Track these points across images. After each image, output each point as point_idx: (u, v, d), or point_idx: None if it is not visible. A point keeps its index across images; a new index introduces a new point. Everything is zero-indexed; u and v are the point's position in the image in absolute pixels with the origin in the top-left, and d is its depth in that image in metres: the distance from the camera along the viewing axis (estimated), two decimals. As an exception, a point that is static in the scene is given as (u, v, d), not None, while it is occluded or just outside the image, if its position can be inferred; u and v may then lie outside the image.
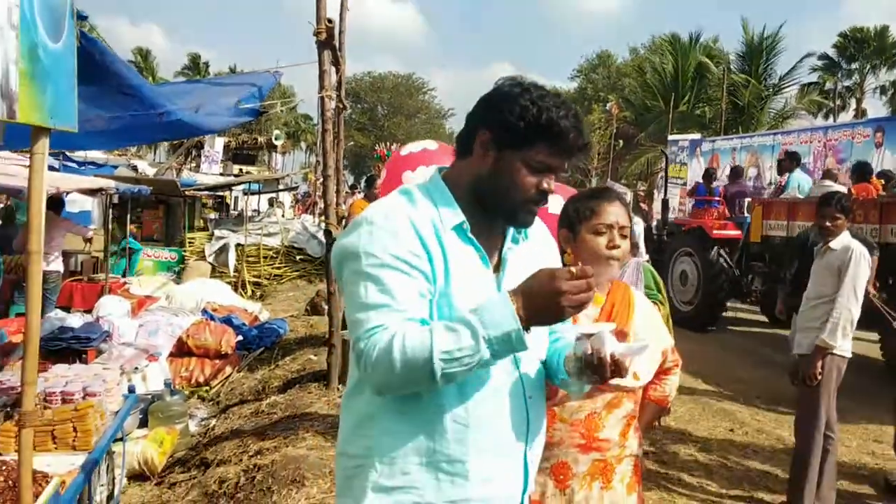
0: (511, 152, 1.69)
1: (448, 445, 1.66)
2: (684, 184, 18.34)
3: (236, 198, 25.48)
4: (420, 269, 1.62)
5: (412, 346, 1.52)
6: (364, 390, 1.74)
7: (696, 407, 6.92)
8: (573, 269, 1.53)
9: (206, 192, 18.81)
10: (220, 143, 30.02)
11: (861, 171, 9.93)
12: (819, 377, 4.49)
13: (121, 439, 4.84)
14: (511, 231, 1.83)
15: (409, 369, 1.53)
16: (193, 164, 29.37)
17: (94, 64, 3.43)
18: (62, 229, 9.32)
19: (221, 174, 26.44)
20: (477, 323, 1.52)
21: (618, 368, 1.63)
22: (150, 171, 22.39)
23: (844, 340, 4.50)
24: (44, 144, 2.84)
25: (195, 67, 56.64)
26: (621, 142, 35.69)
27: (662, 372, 2.53)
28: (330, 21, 6.34)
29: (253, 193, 20.93)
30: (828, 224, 4.69)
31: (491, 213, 1.76)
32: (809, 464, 4.53)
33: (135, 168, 22.17)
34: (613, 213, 2.30)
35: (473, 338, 1.51)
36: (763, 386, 7.87)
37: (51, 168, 15.95)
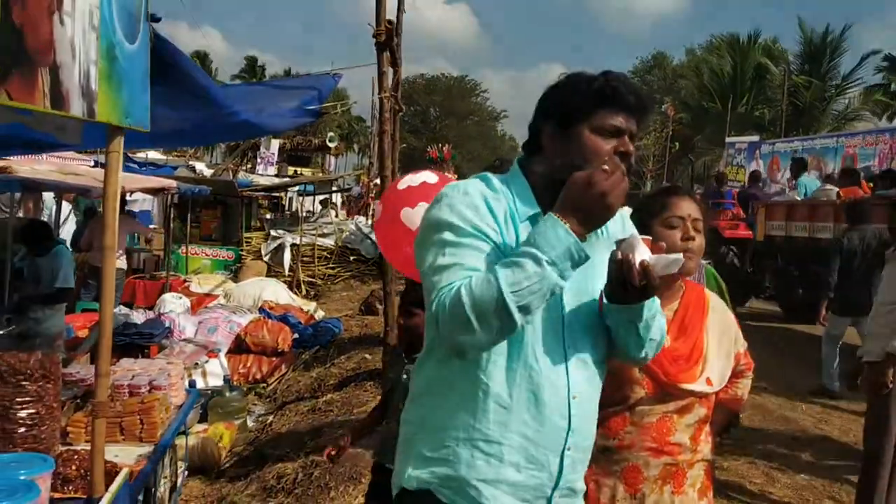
0: (577, 127, 1.71)
1: (488, 426, 1.70)
2: (743, 186, 18.00)
3: (291, 199, 25.80)
4: (494, 242, 1.66)
5: (480, 290, 1.55)
6: (428, 362, 1.81)
7: (756, 413, 6.77)
8: (605, 167, 1.59)
9: (261, 193, 19.09)
10: (275, 144, 30.51)
11: (850, 176, 10.89)
12: (890, 386, 4.35)
13: (184, 433, 4.94)
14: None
15: (482, 311, 1.55)
16: (249, 166, 29.88)
17: (165, 64, 3.51)
18: (126, 228, 9.55)
19: (276, 175, 26.83)
20: (535, 250, 1.55)
21: (646, 275, 1.62)
22: (208, 173, 22.82)
23: (917, 348, 4.35)
24: (119, 143, 2.92)
25: (251, 70, 57.59)
26: (677, 144, 35.23)
27: (735, 375, 2.47)
28: (390, 22, 6.37)
29: (307, 195, 21.20)
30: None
31: None
32: (879, 475, 4.38)
33: (193, 169, 22.62)
34: (685, 206, 2.26)
35: (537, 264, 1.55)
36: (809, 384, 7.77)
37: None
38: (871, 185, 10.49)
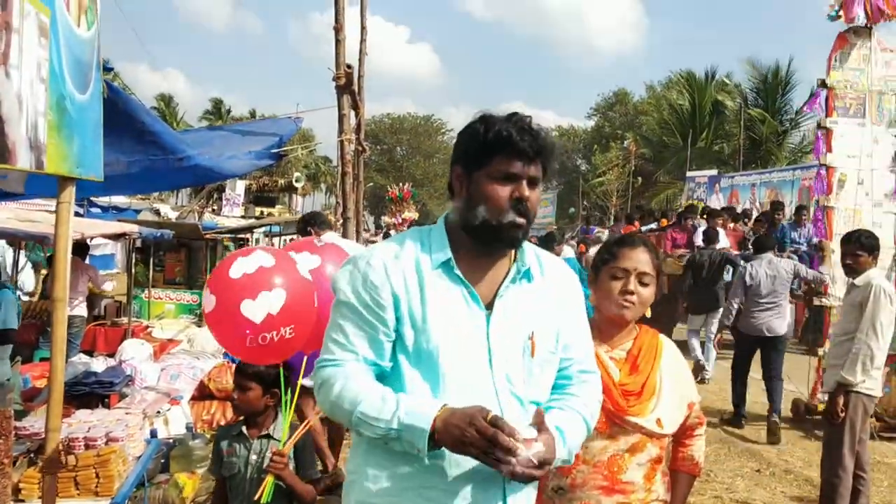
0: (478, 173, 1.81)
1: (424, 473, 1.73)
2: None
3: (257, 240, 25.67)
4: (378, 317, 1.79)
5: (346, 394, 1.74)
6: None
7: (722, 447, 6.81)
8: (494, 419, 1.60)
9: (227, 235, 18.95)
10: (241, 186, 30.42)
11: (628, 216, 15.10)
12: (842, 415, 4.41)
13: (142, 484, 4.83)
14: (514, 269, 1.88)
15: (336, 410, 1.77)
16: (215, 207, 29.72)
17: (116, 112, 3.51)
18: (86, 275, 9.41)
19: (243, 216, 26.72)
20: (403, 405, 1.67)
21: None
22: (173, 215, 22.65)
23: (867, 377, 4.43)
24: (70, 193, 2.90)
25: (217, 112, 57.51)
26: (640, 179, 35.76)
27: (688, 430, 2.49)
28: (349, 67, 6.46)
29: (274, 235, 21.09)
30: (849, 262, 4.66)
31: (482, 240, 1.83)
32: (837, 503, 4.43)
33: (157, 212, 22.42)
34: (633, 258, 2.31)
35: (391, 414, 1.67)
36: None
37: (76, 214, 16.20)
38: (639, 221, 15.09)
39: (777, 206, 12.87)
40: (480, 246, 1.85)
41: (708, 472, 6.03)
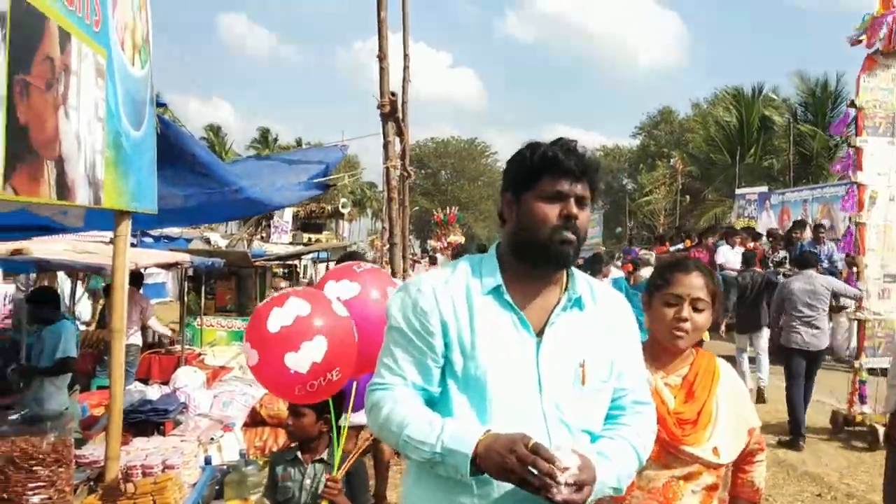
0: (526, 195, 1.85)
1: (470, 497, 1.75)
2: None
3: (305, 266, 25.95)
4: (427, 343, 1.82)
5: (394, 418, 1.78)
6: None
7: (780, 470, 6.64)
8: (536, 445, 1.59)
9: (276, 262, 19.21)
10: (288, 213, 30.82)
11: (660, 237, 15.31)
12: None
13: (198, 511, 4.88)
14: (565, 297, 1.88)
15: (384, 432, 1.81)
16: (263, 235, 30.16)
17: (170, 146, 3.60)
18: (139, 306, 9.61)
19: (291, 243, 27.05)
20: (447, 430, 1.70)
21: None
22: (223, 243, 23.04)
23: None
24: (126, 226, 2.99)
25: (265, 141, 58.56)
26: (688, 197, 35.32)
27: (748, 455, 2.43)
28: (393, 94, 6.53)
29: (321, 261, 21.31)
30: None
31: (532, 261, 1.85)
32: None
33: (208, 240, 22.82)
34: (687, 284, 2.27)
35: (436, 438, 1.69)
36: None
37: (129, 244, 16.59)
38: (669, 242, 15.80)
39: (798, 224, 13.50)
40: (531, 270, 1.86)
41: (766, 497, 5.88)
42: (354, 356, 2.97)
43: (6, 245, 6.79)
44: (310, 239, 30.66)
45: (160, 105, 3.32)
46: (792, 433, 7.56)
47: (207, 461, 5.15)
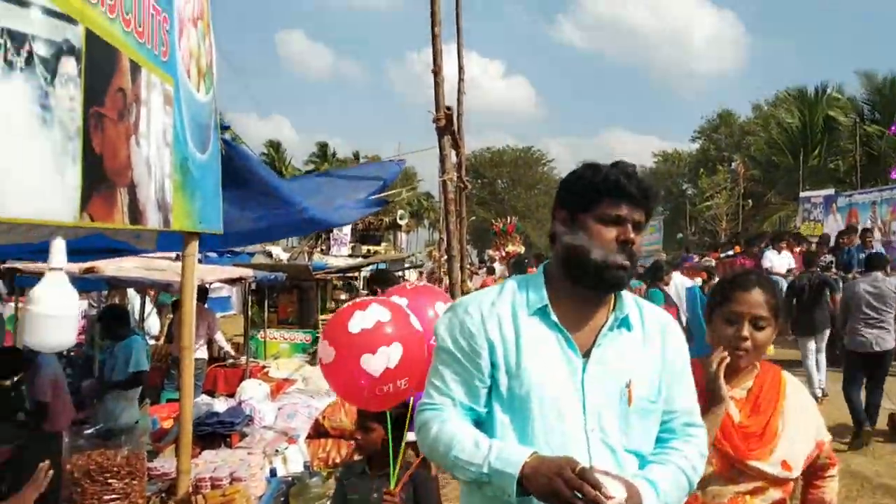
0: (583, 216, 1.85)
1: None
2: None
3: (365, 278, 26.21)
4: (474, 363, 1.85)
5: (442, 437, 1.82)
6: None
7: (854, 482, 6.44)
8: (583, 471, 1.59)
9: (336, 275, 19.45)
10: (347, 226, 31.16)
11: (712, 244, 17.62)
12: None
13: (265, 522, 4.98)
14: (612, 318, 1.89)
15: (433, 453, 1.86)
16: (323, 248, 30.54)
17: (235, 168, 3.70)
18: (206, 321, 9.85)
19: (350, 255, 27.36)
20: (494, 450, 1.72)
21: None
22: (284, 256, 23.41)
23: None
24: (194, 247, 3.09)
25: (323, 155, 59.44)
26: (750, 201, 34.56)
27: (819, 470, 2.39)
28: (448, 108, 6.57)
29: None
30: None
31: (585, 283, 1.85)
32: None
33: (269, 254, 23.22)
34: (748, 300, 2.23)
35: (483, 458, 1.72)
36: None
37: (194, 259, 17.01)
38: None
39: (849, 230, 13.86)
40: (582, 291, 1.87)
41: (839, 510, 5.72)
42: (424, 368, 3.04)
43: (80, 265, 7.07)
44: (369, 251, 30.92)
45: (224, 128, 3.43)
46: (855, 431, 7.57)
47: (273, 473, 5.25)
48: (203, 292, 9.99)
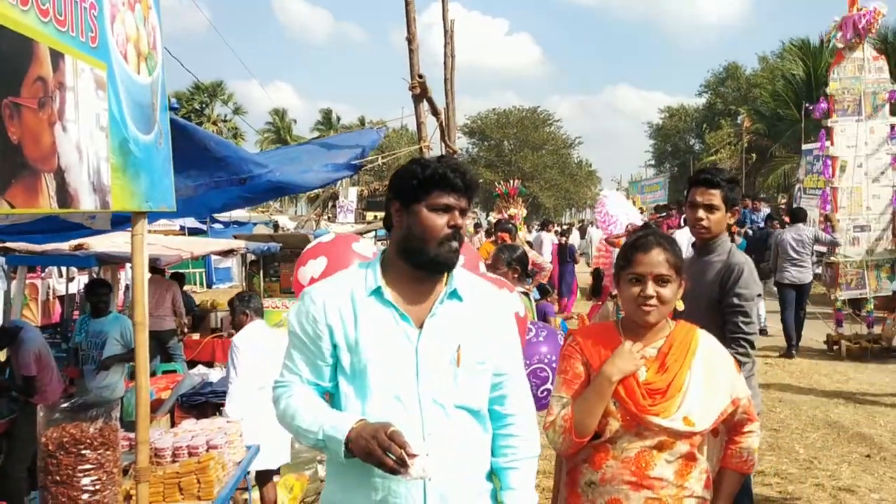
0: (416, 206, 2.08)
1: (345, 480, 2.06)
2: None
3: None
4: (317, 346, 2.11)
5: (288, 410, 2.09)
6: None
7: (831, 432, 6.55)
8: (393, 433, 1.84)
9: (337, 242, 19.53)
10: (353, 192, 31.28)
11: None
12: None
13: (245, 488, 5.15)
14: (444, 291, 2.10)
15: (282, 422, 2.12)
16: (330, 215, 30.69)
17: (184, 141, 3.78)
18: (170, 292, 10.02)
19: (356, 222, 27.51)
20: (327, 419, 1.99)
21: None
22: (291, 225, 23.56)
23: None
24: (142, 226, 3.18)
25: (328, 122, 59.30)
26: (754, 155, 34.29)
27: (736, 425, 2.47)
28: (421, 76, 6.60)
29: (381, 240, 21.56)
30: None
31: (420, 265, 2.09)
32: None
33: (276, 224, 23.42)
34: (647, 262, 2.33)
35: (318, 427, 1.98)
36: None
37: (198, 231, 17.14)
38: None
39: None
40: (417, 271, 2.08)
41: (812, 458, 5.84)
42: None
43: (69, 242, 7.19)
44: (375, 216, 31.05)
45: (173, 109, 3.50)
46: (786, 347, 10.46)
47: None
48: (156, 270, 10.00)
